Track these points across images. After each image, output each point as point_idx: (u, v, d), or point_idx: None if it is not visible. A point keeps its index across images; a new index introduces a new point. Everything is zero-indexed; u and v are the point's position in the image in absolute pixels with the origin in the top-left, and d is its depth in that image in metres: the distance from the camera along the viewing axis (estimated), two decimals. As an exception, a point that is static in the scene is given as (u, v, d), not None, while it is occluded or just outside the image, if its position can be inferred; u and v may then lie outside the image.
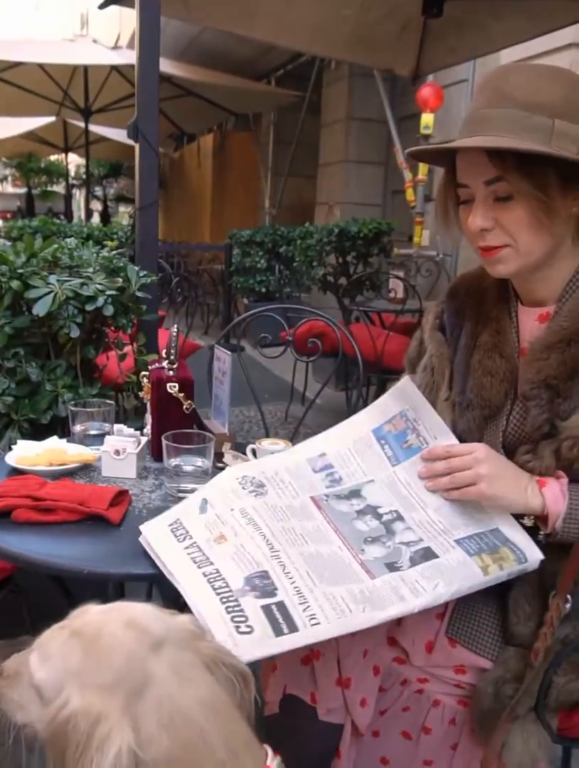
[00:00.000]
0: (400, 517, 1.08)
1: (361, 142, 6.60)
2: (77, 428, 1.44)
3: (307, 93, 7.07)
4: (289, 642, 0.88)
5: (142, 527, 1.06)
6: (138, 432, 1.41)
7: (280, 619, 0.90)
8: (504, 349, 1.11)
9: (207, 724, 0.58)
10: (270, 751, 0.64)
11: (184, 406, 1.39)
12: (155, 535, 1.04)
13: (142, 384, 1.49)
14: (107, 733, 0.56)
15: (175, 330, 1.48)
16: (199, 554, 0.98)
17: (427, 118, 4.72)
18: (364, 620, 0.93)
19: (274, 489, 1.10)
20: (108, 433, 1.44)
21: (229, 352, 1.48)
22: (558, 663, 1.05)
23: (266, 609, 0.91)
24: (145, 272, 2.10)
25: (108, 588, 1.46)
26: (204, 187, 9.87)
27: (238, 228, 7.22)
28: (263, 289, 6.78)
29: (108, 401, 1.48)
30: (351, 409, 4.44)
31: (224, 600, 0.91)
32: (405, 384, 1.18)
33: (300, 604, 0.92)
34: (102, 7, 3.59)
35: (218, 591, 0.92)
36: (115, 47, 7.99)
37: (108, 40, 8.97)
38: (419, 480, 1.12)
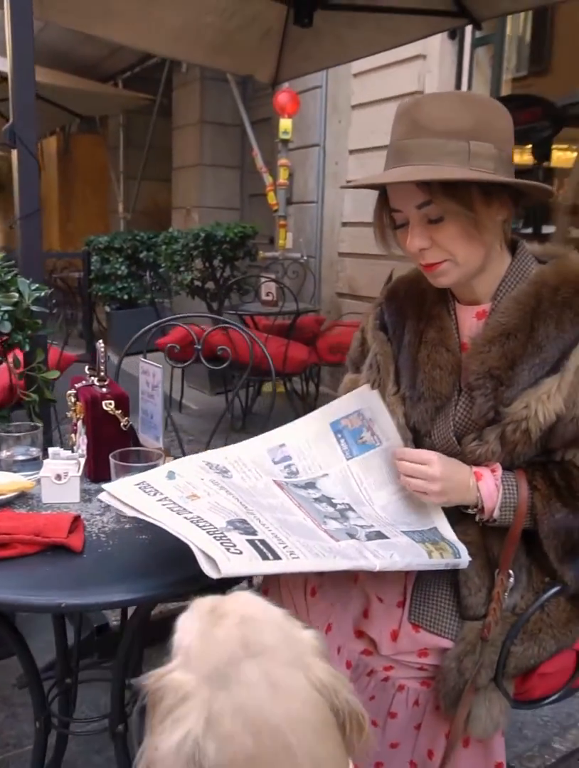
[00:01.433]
0: (351, 508, 1.15)
1: (216, 145, 6.62)
2: (3, 454, 1.35)
3: (157, 96, 6.97)
4: (274, 566, 0.94)
5: (105, 486, 1.05)
6: (76, 454, 1.35)
7: (264, 549, 0.95)
8: (448, 344, 1.20)
9: (295, 739, 0.58)
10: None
11: (122, 423, 1.35)
12: (123, 491, 1.03)
13: (69, 403, 1.43)
14: (184, 716, 0.58)
15: (102, 345, 1.43)
16: (174, 506, 1.00)
17: (285, 124, 4.83)
18: (336, 565, 0.99)
19: (238, 472, 1.14)
20: (36, 458, 1.37)
21: (159, 366, 1.45)
22: (515, 634, 1.14)
23: (251, 542, 0.95)
24: (37, 285, 2.00)
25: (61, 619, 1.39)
26: (49, 191, 9.43)
27: (88, 234, 6.99)
28: (125, 296, 6.61)
29: (35, 424, 1.41)
30: (230, 412, 4.46)
31: (211, 533, 0.94)
32: (364, 389, 1.24)
33: (280, 544, 0.97)
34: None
35: (203, 528, 0.95)
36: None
37: None
38: (370, 476, 1.19)
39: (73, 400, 1.41)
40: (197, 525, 0.95)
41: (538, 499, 1.11)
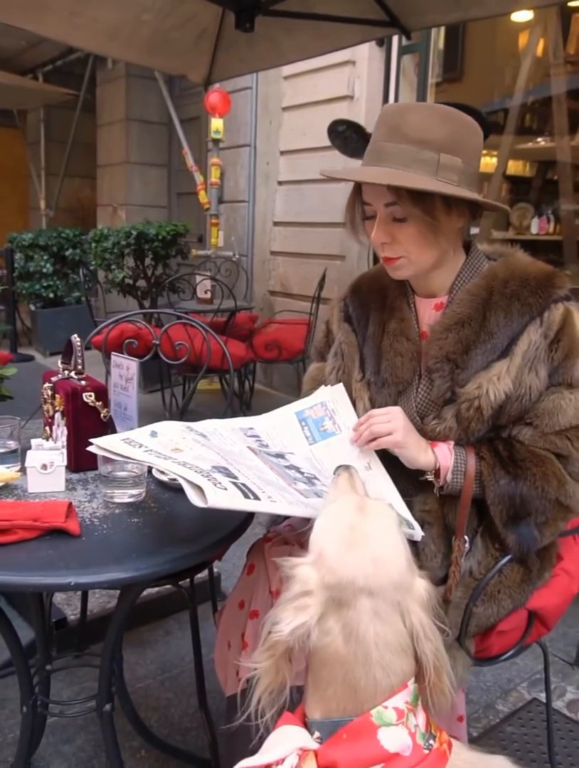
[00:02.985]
0: (317, 478, 1.24)
1: (143, 143, 6.59)
2: (-19, 448, 1.38)
3: (81, 91, 6.86)
4: (256, 505, 1.05)
5: (93, 440, 1.13)
6: (58, 445, 1.39)
7: (246, 490, 1.05)
8: (409, 334, 1.31)
9: (376, 652, 0.75)
10: (411, 682, 0.79)
11: (102, 414, 1.40)
12: (109, 443, 1.12)
13: (45, 396, 1.46)
14: (305, 606, 0.75)
15: (77, 339, 1.47)
16: (160, 455, 1.09)
17: (216, 123, 4.87)
18: (308, 513, 1.09)
19: (216, 439, 1.23)
20: (14, 451, 1.40)
21: (134, 360, 1.50)
22: (476, 596, 1.26)
23: (234, 483, 1.06)
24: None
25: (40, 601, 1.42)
26: (-38, 186, 9.10)
27: (7, 231, 6.82)
28: (51, 295, 6.49)
29: (13, 417, 1.43)
30: (167, 409, 4.48)
31: (197, 472, 1.04)
32: (335, 388, 1.37)
33: (259, 490, 1.08)
34: None
35: (190, 468, 1.04)
36: None
37: None
38: (331, 459, 1.29)
39: (49, 393, 1.45)
40: (184, 466, 1.05)
41: (484, 467, 1.23)
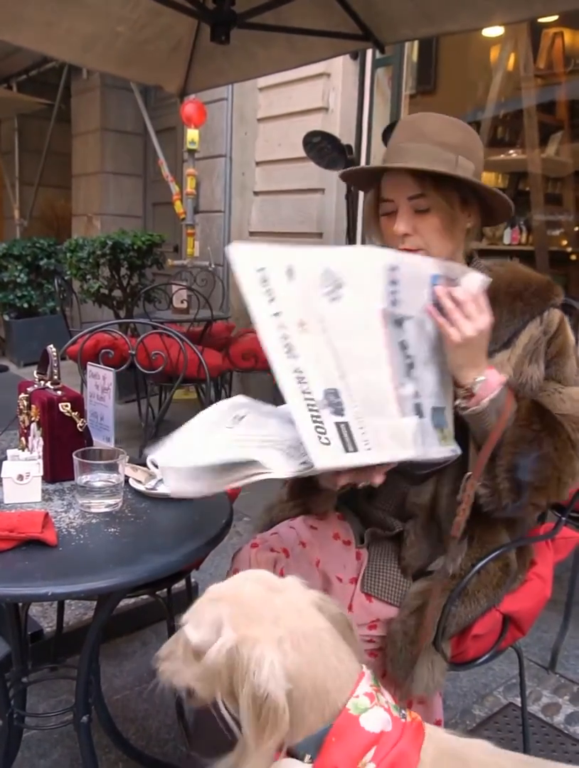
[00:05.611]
0: (414, 366, 1.17)
1: (118, 153, 6.58)
2: (-45, 459, 1.36)
3: (55, 101, 6.84)
4: (351, 459, 1.02)
5: (233, 246, 1.03)
6: (34, 455, 1.38)
7: (346, 438, 1.02)
8: None
9: (322, 642, 0.79)
10: (364, 666, 0.83)
11: (78, 425, 1.40)
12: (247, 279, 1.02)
13: (21, 406, 1.46)
14: (262, 653, 0.74)
15: (52, 349, 1.47)
16: (284, 338, 1.02)
17: (192, 134, 4.88)
18: (392, 456, 1.08)
19: (351, 291, 1.09)
20: (-10, 462, 1.39)
21: (110, 369, 1.50)
22: (454, 599, 1.28)
23: (337, 427, 1.02)
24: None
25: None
26: None
27: (-23, 241, 6.78)
28: (25, 305, 6.44)
29: (-12, 428, 1.42)
30: (143, 419, 4.45)
31: (311, 408, 1.00)
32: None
33: (359, 428, 1.04)
34: None
35: (306, 397, 1.00)
36: None
37: None
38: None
39: (25, 403, 1.44)
40: (301, 390, 1.00)
41: (523, 405, 1.23)
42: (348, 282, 1.08)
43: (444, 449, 1.20)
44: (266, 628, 0.76)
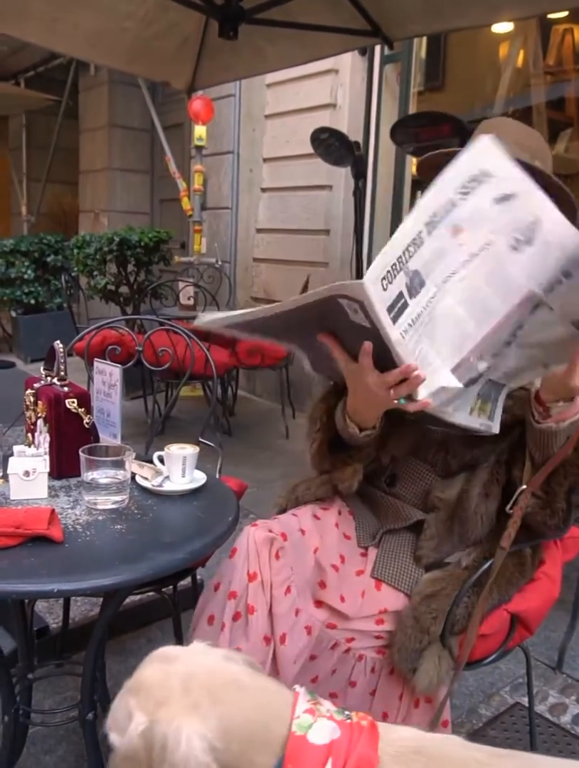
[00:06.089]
0: (509, 345, 1.11)
1: (125, 150, 6.58)
2: (-39, 455, 1.36)
3: (63, 97, 6.84)
4: (390, 327, 0.95)
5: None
6: (41, 451, 1.38)
7: (399, 306, 0.96)
8: None
9: (241, 685, 0.76)
10: (297, 686, 0.80)
11: (85, 421, 1.39)
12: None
13: (28, 402, 1.45)
14: (178, 728, 0.70)
15: (59, 345, 1.47)
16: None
17: (200, 130, 4.88)
18: (423, 376, 1.01)
19: (535, 250, 1.03)
20: (-6, 458, 1.39)
21: (117, 366, 1.50)
22: (463, 593, 1.28)
23: (404, 289, 0.96)
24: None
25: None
26: (-58, 191, 9.03)
27: (-15, 236, 6.79)
28: (32, 301, 6.45)
29: (-6, 424, 1.42)
30: (150, 416, 4.46)
31: (396, 263, 0.94)
32: None
33: (415, 322, 0.98)
34: None
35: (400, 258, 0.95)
36: None
37: None
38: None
39: (32, 399, 1.44)
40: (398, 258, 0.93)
41: None
42: (537, 239, 1.02)
43: (472, 419, 1.15)
44: (177, 700, 0.72)
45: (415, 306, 0.98)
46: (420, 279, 0.98)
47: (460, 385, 1.06)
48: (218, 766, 0.70)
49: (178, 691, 0.73)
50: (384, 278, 0.93)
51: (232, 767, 0.71)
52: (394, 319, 0.96)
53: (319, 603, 1.31)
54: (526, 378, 1.20)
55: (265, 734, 0.73)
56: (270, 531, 1.31)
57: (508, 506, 1.23)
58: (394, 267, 0.94)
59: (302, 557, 1.30)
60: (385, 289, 0.94)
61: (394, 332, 0.96)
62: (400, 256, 0.95)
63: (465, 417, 1.14)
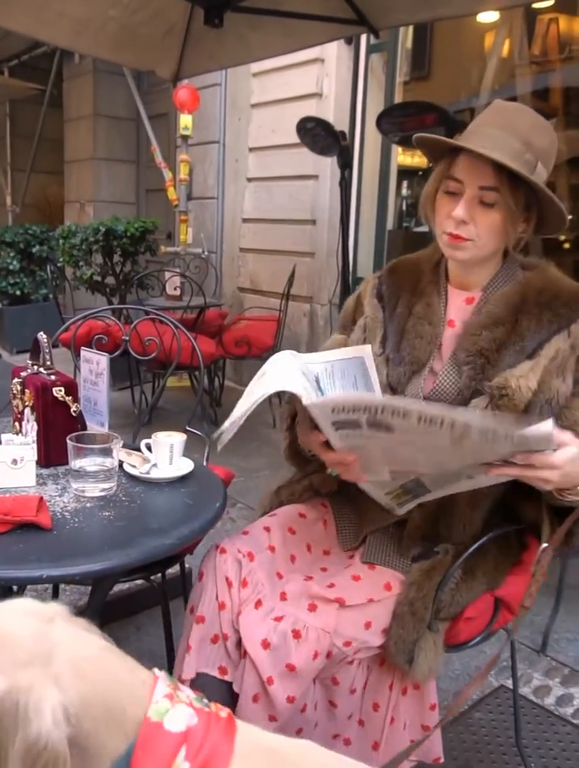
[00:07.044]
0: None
1: (110, 139, 6.54)
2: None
3: (47, 86, 6.78)
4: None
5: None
6: (29, 439, 1.38)
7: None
8: (432, 319, 1.37)
9: (106, 662, 0.71)
10: (156, 669, 0.76)
11: (72, 409, 1.40)
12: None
13: (14, 391, 1.45)
14: (38, 698, 0.64)
15: (43, 336, 1.47)
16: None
17: (185, 120, 4.85)
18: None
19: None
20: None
21: (104, 354, 1.50)
22: (446, 581, 1.29)
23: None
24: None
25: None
26: None
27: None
28: (17, 292, 6.41)
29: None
30: (137, 406, 4.45)
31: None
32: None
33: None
34: None
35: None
36: None
37: None
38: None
39: (19, 388, 1.44)
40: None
41: None
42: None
43: (382, 497, 1.33)
44: (40, 667, 0.66)
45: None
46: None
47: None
48: (69, 745, 0.65)
49: (43, 657, 0.67)
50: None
51: (81, 747, 0.67)
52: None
53: (313, 606, 1.28)
54: (452, 490, 1.25)
55: (121, 717, 0.70)
56: (238, 551, 1.33)
57: (533, 567, 1.20)
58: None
59: (266, 577, 1.33)
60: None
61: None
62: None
63: (378, 493, 1.32)
